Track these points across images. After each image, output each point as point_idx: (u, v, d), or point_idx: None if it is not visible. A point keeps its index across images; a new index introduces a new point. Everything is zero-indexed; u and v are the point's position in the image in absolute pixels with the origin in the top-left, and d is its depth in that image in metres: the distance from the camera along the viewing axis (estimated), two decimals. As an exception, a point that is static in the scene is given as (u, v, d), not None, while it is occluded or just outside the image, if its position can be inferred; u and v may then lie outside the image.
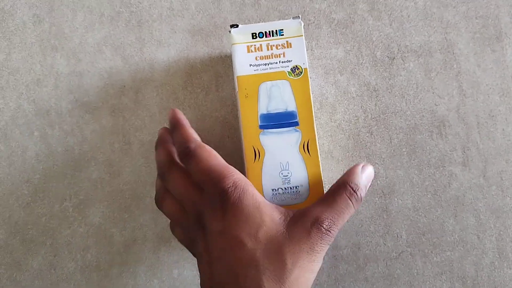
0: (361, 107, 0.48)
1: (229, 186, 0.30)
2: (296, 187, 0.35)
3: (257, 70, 0.36)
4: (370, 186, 0.45)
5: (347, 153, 0.48)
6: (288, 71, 0.35)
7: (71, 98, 0.50)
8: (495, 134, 0.48)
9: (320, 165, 0.36)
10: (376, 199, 0.47)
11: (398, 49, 0.49)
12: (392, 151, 0.48)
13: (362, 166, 0.36)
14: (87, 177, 0.49)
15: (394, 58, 0.49)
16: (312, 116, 0.36)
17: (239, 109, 0.37)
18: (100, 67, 0.50)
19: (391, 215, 0.47)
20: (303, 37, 0.36)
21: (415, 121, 0.48)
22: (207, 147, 0.34)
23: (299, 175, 0.35)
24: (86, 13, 0.51)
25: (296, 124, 0.35)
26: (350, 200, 0.33)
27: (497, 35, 0.48)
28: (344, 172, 0.36)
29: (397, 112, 0.48)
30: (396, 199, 0.47)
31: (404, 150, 0.48)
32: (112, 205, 0.48)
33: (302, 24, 0.37)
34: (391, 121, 0.48)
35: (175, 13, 0.50)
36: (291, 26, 0.36)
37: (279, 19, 0.49)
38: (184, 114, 0.50)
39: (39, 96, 0.50)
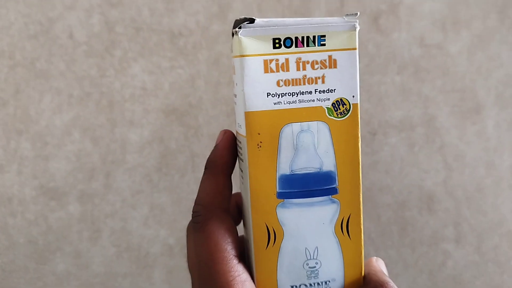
0: (346, 185, 0.53)
1: None
2: (326, 283, 0.28)
3: (279, 103, 0.26)
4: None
5: (334, 234, 0.51)
6: (328, 107, 0.26)
7: (35, 184, 0.53)
8: (485, 208, 0.53)
9: (363, 253, 0.28)
10: (368, 283, 0.50)
11: (379, 125, 0.55)
12: (382, 229, 0.52)
13: (376, 260, 0.31)
14: (51, 271, 0.50)
15: (375, 133, 0.55)
16: (359, 179, 0.28)
17: (246, 167, 0.27)
18: (68, 150, 0.54)
19: (385, 300, 0.50)
20: (357, 51, 0.26)
21: (403, 197, 0.53)
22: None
23: (332, 266, 0.28)
24: (54, 95, 0.56)
25: (333, 192, 0.27)
26: None
27: (475, 107, 0.55)
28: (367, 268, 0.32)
29: (383, 188, 0.53)
30: (389, 282, 0.51)
31: (394, 228, 0.52)
32: (79, 302, 0.50)
33: (358, 29, 0.26)
34: (378, 198, 0.53)
35: (148, 92, 0.56)
36: (339, 32, 0.25)
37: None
38: (160, 197, 0.53)
39: (0, 182, 0.53)
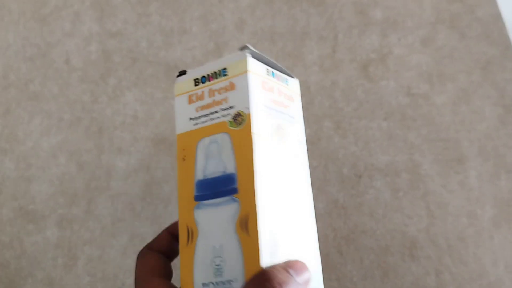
0: (330, 225, 0.53)
1: None
2: (229, 283, 0.28)
3: (197, 124, 0.32)
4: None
5: (316, 275, 0.50)
6: (229, 121, 0.31)
7: (14, 205, 0.51)
8: (467, 258, 0.52)
9: (262, 252, 0.28)
10: (348, 328, 0.49)
11: (365, 167, 0.55)
12: (364, 273, 0.51)
13: (293, 261, 0.30)
14: (20, 298, 0.48)
15: (361, 176, 0.55)
16: (253, 179, 0.29)
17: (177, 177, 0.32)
18: (52, 173, 0.53)
19: None
20: (248, 73, 0.31)
21: (386, 242, 0.53)
22: None
23: (234, 264, 0.28)
24: (44, 117, 0.55)
25: (234, 191, 0.29)
26: None
27: (459, 157, 0.56)
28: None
29: (367, 231, 0.53)
30: (369, 328, 0.49)
31: (376, 272, 0.51)
32: (45, 332, 0.47)
33: (249, 56, 0.31)
34: (361, 241, 0.52)
35: (139, 121, 0.56)
36: (235, 61, 0.32)
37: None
38: (141, 227, 0.52)
39: (-22, 202, 0.51)
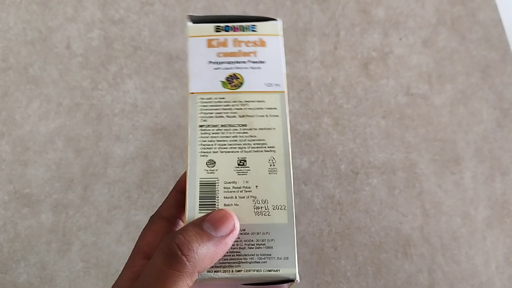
0: (325, 220, 0.53)
1: None
2: None
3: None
4: None
5: (310, 269, 0.51)
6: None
7: (9, 189, 0.51)
8: (459, 257, 0.53)
9: (186, 207, 0.28)
10: (340, 323, 0.49)
11: (362, 164, 0.56)
12: (358, 269, 0.51)
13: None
14: (12, 281, 0.48)
15: (358, 172, 0.55)
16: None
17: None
18: (49, 158, 0.53)
19: None
20: (189, 39, 0.31)
21: (380, 239, 0.53)
22: None
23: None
24: (42, 102, 0.55)
25: None
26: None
27: (455, 158, 0.56)
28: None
29: (362, 228, 0.53)
30: (360, 323, 0.49)
31: (369, 268, 0.52)
32: (37, 317, 0.47)
33: (188, 23, 0.31)
34: (356, 237, 0.53)
35: (139, 109, 0.56)
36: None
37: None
38: (137, 215, 0.52)
39: (-28, 184, 0.51)
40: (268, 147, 0.29)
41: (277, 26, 0.32)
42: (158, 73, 0.57)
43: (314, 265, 0.51)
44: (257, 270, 0.26)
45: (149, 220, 0.29)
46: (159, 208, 0.29)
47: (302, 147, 0.56)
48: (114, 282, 0.26)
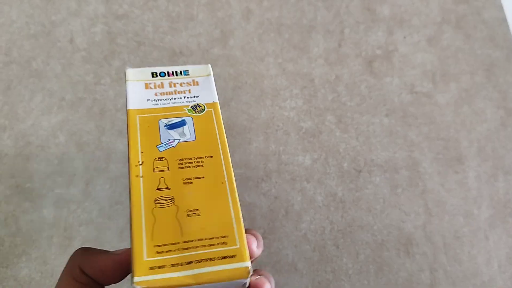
0: (328, 218, 0.53)
1: None
2: None
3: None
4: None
5: (312, 266, 0.50)
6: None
7: (11, 183, 0.51)
8: (462, 257, 0.53)
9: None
10: (341, 320, 0.49)
11: (365, 163, 0.55)
12: (359, 267, 0.51)
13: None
14: (13, 275, 0.47)
15: (360, 171, 0.55)
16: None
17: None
18: (51, 152, 0.53)
19: None
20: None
21: (382, 237, 0.53)
22: None
23: None
24: (45, 96, 0.55)
25: None
26: None
27: (458, 157, 0.56)
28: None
29: (364, 226, 0.53)
30: (362, 322, 0.49)
31: (371, 267, 0.51)
32: (38, 311, 0.47)
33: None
34: (358, 235, 0.52)
35: (142, 105, 0.55)
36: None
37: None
38: (138, 210, 0.51)
39: (-26, 177, 0.51)
40: None
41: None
42: (161, 68, 0.57)
43: (315, 263, 0.51)
44: None
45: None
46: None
47: (305, 144, 0.55)
48: None
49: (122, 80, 0.56)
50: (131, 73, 0.34)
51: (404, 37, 0.60)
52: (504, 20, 0.61)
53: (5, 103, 0.54)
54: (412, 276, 0.51)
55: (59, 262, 0.49)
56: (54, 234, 0.50)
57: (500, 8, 0.62)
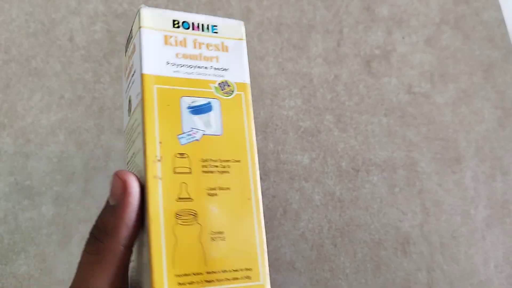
0: (326, 217, 0.53)
1: None
2: None
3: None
4: None
5: (310, 265, 0.51)
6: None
7: (10, 180, 0.51)
8: (459, 256, 0.53)
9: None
10: (338, 319, 0.49)
11: (363, 162, 0.56)
12: (357, 266, 0.51)
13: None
14: (12, 272, 0.48)
15: (358, 170, 0.55)
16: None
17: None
18: (50, 150, 0.53)
19: (353, 339, 0.49)
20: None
21: (380, 236, 0.53)
22: None
23: None
24: (44, 94, 0.55)
25: None
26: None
27: (456, 157, 0.57)
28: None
29: (362, 225, 0.53)
30: (359, 320, 0.50)
31: (368, 266, 0.52)
32: (36, 308, 0.47)
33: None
34: (355, 234, 0.53)
35: (141, 103, 0.55)
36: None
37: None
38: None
39: (-26, 175, 0.51)
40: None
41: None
42: (160, 67, 0.57)
43: (313, 261, 0.51)
44: None
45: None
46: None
47: (304, 144, 0.56)
48: None
49: (121, 78, 0.56)
50: (147, 14, 0.25)
51: (403, 37, 0.60)
52: (502, 20, 0.62)
53: (5, 101, 0.54)
54: (410, 275, 0.52)
55: (58, 259, 0.49)
56: (53, 231, 0.50)
57: (499, 8, 0.62)
